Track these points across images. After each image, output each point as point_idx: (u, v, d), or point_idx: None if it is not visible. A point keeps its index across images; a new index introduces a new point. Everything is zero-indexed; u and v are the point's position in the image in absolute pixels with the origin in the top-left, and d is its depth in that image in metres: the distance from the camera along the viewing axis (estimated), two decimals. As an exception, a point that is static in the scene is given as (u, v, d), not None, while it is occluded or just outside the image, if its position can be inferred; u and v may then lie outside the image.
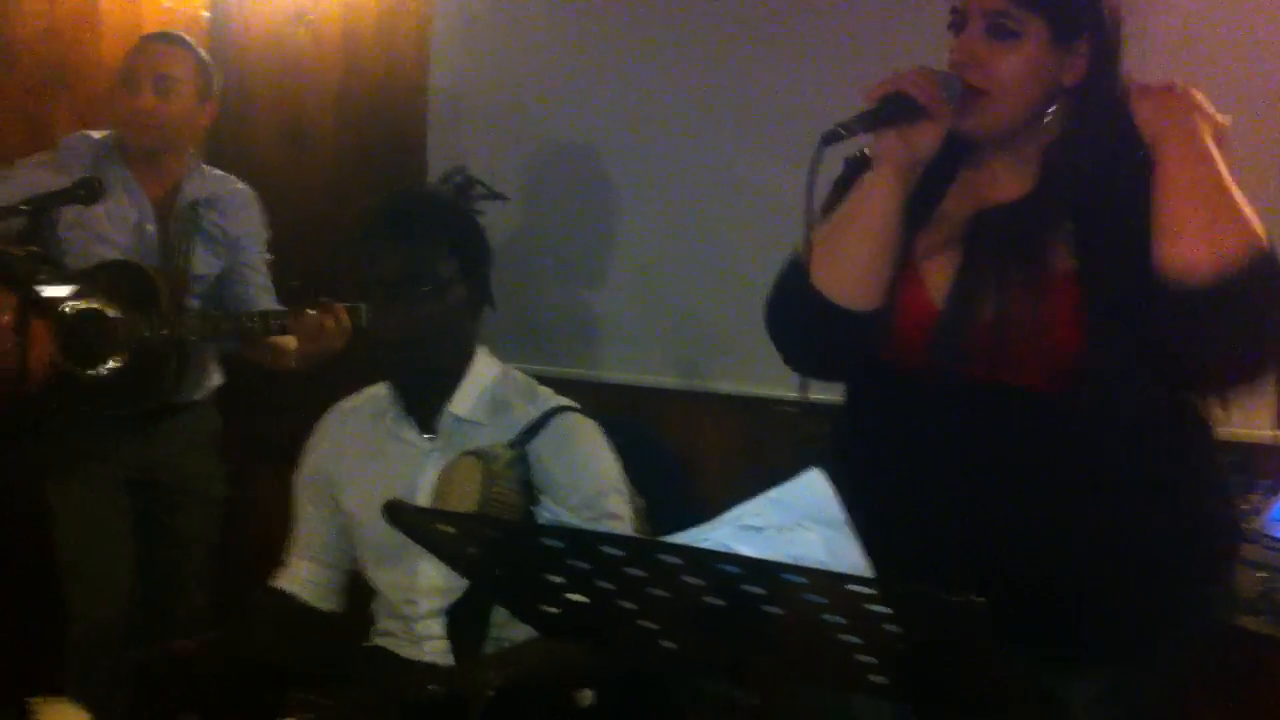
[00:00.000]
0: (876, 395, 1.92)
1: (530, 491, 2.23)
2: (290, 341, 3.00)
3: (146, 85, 3.12)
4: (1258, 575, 2.49)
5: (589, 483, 2.34)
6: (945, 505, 1.81)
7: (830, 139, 1.78)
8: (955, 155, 1.90)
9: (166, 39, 3.23)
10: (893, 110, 1.79)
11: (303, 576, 2.52)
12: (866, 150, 1.89)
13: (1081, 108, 1.82)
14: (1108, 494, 1.78)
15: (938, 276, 1.85)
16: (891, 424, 1.89)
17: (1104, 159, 1.80)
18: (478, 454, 2.22)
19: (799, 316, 1.90)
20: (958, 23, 1.83)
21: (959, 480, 1.81)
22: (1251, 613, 2.48)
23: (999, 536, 1.78)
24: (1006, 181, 1.89)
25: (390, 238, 2.31)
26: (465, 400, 2.41)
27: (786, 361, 1.93)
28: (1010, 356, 1.76)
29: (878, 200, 1.83)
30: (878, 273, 1.84)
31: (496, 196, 2.51)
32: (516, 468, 2.24)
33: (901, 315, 1.86)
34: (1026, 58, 1.78)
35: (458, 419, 2.40)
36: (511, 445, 2.29)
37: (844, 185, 1.93)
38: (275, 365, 3.18)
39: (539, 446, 2.33)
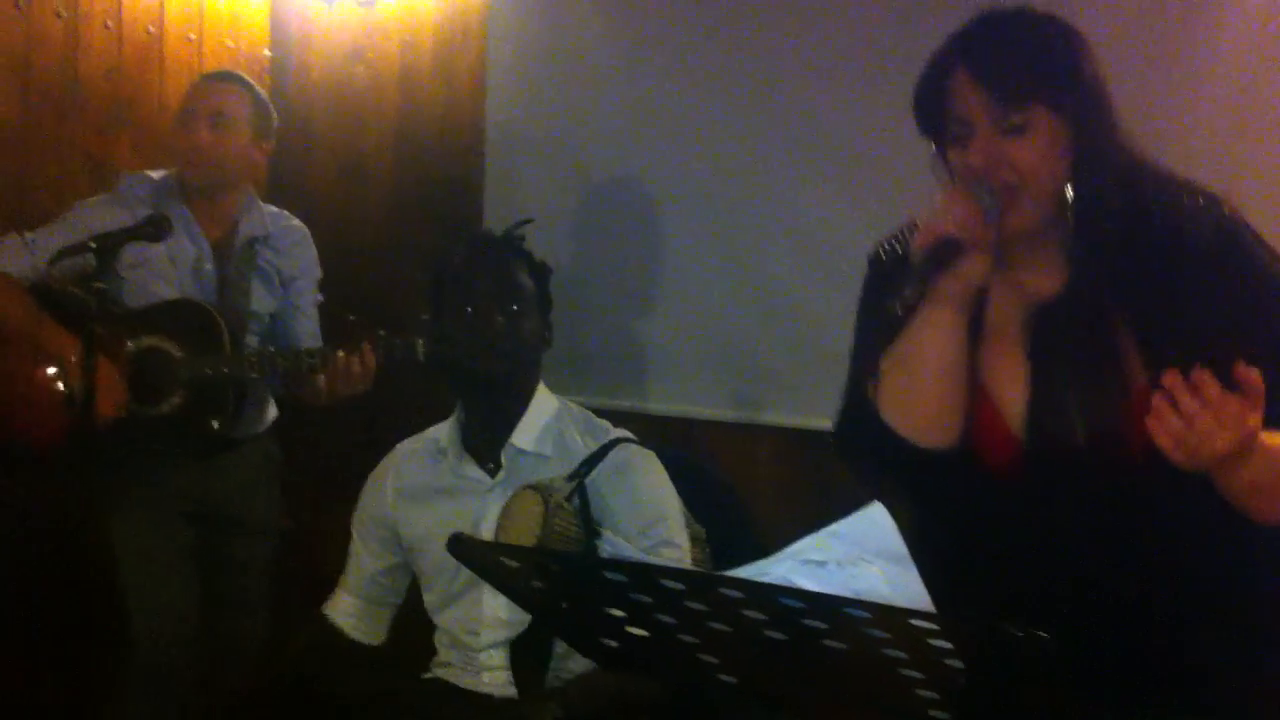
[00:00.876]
0: (964, 497, 1.86)
1: (589, 524, 2.26)
2: (318, 380, 3.05)
3: (203, 122, 3.17)
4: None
5: (647, 510, 2.40)
6: (1056, 591, 1.76)
7: (895, 323, 1.76)
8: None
9: (223, 77, 3.29)
10: (943, 258, 1.74)
11: (348, 611, 2.60)
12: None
13: (1088, 176, 1.77)
14: (1214, 568, 1.75)
15: (1008, 391, 1.81)
16: (987, 522, 1.84)
17: (1125, 223, 1.77)
18: (537, 487, 2.26)
19: (873, 450, 1.86)
20: (963, 133, 1.79)
21: (1068, 565, 1.77)
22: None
23: (1113, 622, 1.75)
24: (1040, 275, 1.84)
25: (488, 258, 2.50)
26: (528, 433, 2.46)
27: (858, 482, 1.86)
28: (1102, 446, 1.74)
29: (942, 339, 1.78)
30: (951, 408, 1.79)
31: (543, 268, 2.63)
32: (575, 500, 2.27)
33: (980, 436, 1.82)
34: (1043, 143, 1.75)
35: (520, 451, 2.45)
36: (570, 478, 2.32)
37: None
38: (311, 401, 3.23)
39: (598, 478, 2.37)
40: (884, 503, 1.56)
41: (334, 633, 2.58)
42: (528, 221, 2.61)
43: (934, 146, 1.85)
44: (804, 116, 3.39)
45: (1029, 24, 1.80)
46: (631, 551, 1.63)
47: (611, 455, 2.42)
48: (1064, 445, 1.75)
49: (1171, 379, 1.57)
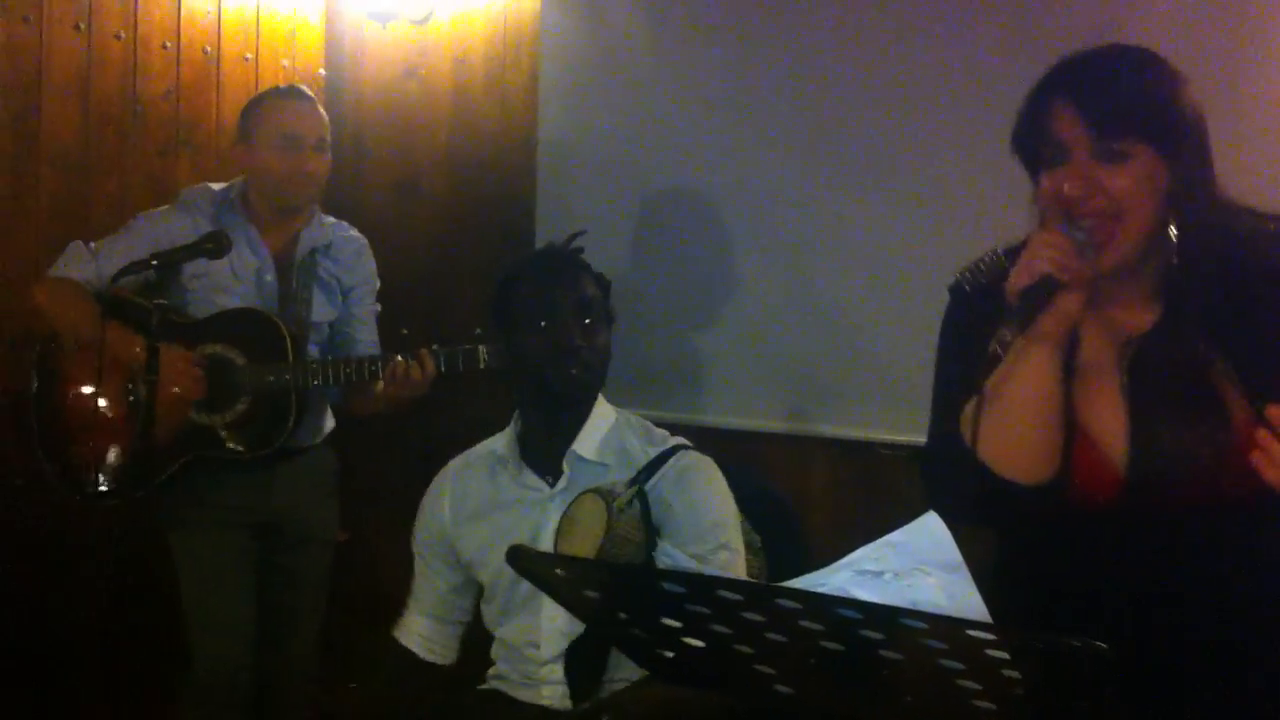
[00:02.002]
0: (1062, 533, 1.85)
1: (650, 529, 2.28)
2: (377, 386, 3.08)
3: (309, 146, 3.21)
4: None
5: (706, 516, 2.41)
6: (1151, 627, 1.75)
7: (994, 360, 1.76)
8: None
9: (307, 97, 3.31)
10: (1040, 298, 1.73)
11: (419, 632, 2.60)
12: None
13: (1187, 212, 1.77)
14: None
15: (1107, 426, 1.80)
16: (1085, 558, 1.83)
17: (1219, 258, 1.76)
18: (599, 492, 2.28)
19: (965, 485, 1.81)
20: (1059, 159, 1.79)
21: (1164, 603, 1.76)
22: None
23: (1208, 662, 1.74)
24: (1133, 310, 1.84)
25: (559, 271, 2.51)
26: (589, 442, 2.48)
27: (941, 516, 1.86)
28: (1203, 481, 1.73)
29: (1040, 376, 1.77)
30: (1050, 446, 1.78)
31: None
32: (637, 505, 2.29)
33: (1080, 473, 1.80)
34: (1140, 173, 1.75)
35: (582, 459, 2.47)
36: (631, 483, 2.34)
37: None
38: (363, 411, 3.26)
39: (659, 484, 2.40)
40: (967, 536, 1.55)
41: (405, 656, 2.59)
42: (581, 233, 2.62)
43: (1033, 178, 1.85)
44: (858, 131, 3.40)
45: (1128, 58, 1.81)
46: (689, 562, 1.64)
47: (671, 461, 2.45)
48: (1166, 481, 1.74)
49: (1276, 412, 1.57)
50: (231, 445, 3.10)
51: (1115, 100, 1.75)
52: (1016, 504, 1.79)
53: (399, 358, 3.00)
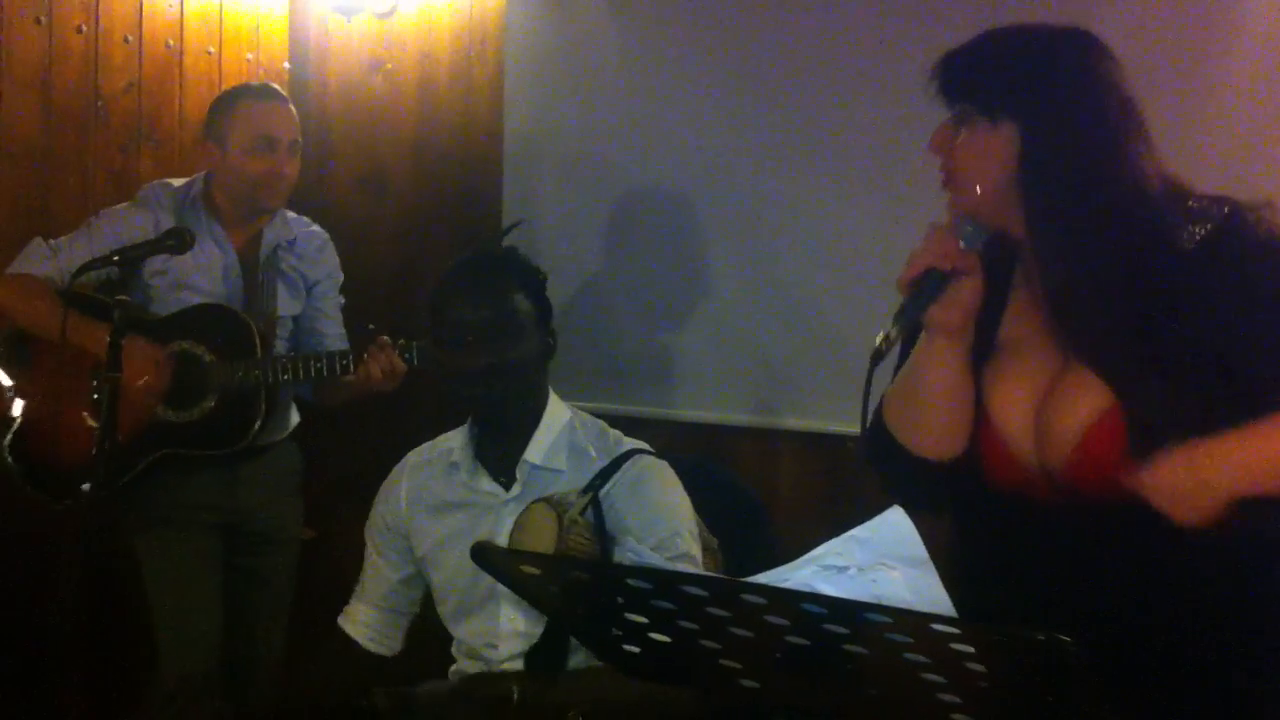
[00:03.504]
0: (980, 517, 1.88)
1: (604, 538, 2.26)
2: (346, 379, 3.07)
3: (283, 149, 3.20)
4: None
5: (663, 525, 2.37)
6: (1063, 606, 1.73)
7: (879, 357, 1.76)
8: (1007, 278, 1.88)
9: (280, 97, 3.28)
10: (928, 290, 1.77)
11: (364, 621, 2.59)
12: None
13: (1036, 188, 1.78)
14: (1212, 581, 1.74)
15: (1008, 409, 1.83)
16: (999, 544, 1.86)
17: (1088, 236, 1.76)
18: (550, 502, 2.25)
19: (891, 465, 1.89)
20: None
21: (1072, 598, 1.75)
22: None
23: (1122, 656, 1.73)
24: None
25: (474, 285, 2.44)
26: (541, 448, 2.46)
27: (889, 494, 1.84)
28: (1088, 467, 1.74)
29: (940, 365, 1.82)
30: (954, 426, 1.83)
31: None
32: (590, 515, 2.27)
33: (987, 456, 1.83)
34: (973, 141, 1.80)
35: (535, 467, 2.45)
36: (584, 491, 2.32)
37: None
38: (332, 402, 3.25)
39: (612, 491, 2.37)
40: (907, 509, 1.56)
41: (348, 644, 2.58)
42: (516, 225, 2.59)
43: None
44: (827, 126, 3.40)
45: (1007, 32, 1.84)
46: (653, 557, 1.64)
47: (626, 468, 2.41)
48: (1052, 466, 1.76)
49: None
50: (195, 442, 3.08)
51: (954, 69, 1.82)
52: (931, 481, 1.84)
53: (369, 353, 2.98)
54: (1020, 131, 1.77)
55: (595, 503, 2.31)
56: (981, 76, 1.81)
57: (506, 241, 2.68)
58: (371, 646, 2.58)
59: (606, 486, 2.37)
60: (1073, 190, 1.76)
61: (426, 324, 2.54)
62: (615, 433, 2.55)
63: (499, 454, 2.49)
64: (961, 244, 1.78)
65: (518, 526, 2.27)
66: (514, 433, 2.48)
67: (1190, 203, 1.76)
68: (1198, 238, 1.73)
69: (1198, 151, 2.75)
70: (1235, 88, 2.92)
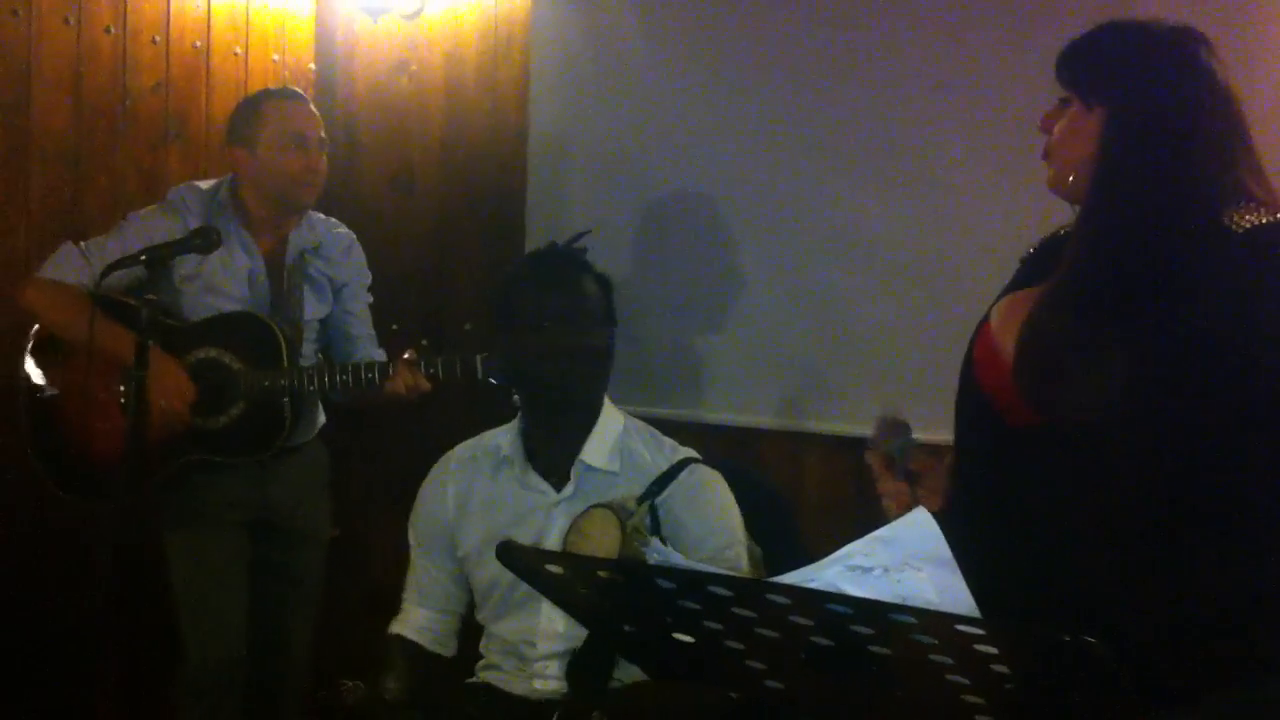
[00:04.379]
0: (975, 444, 1.97)
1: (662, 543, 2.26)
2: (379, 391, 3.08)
3: (314, 147, 3.21)
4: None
5: (720, 535, 2.41)
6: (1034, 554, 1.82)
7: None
8: None
9: (304, 98, 3.30)
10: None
11: (419, 624, 2.58)
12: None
13: (1103, 170, 1.89)
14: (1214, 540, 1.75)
15: (1007, 339, 1.91)
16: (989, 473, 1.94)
17: (1130, 223, 1.84)
18: (611, 508, 2.25)
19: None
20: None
21: (1052, 528, 1.81)
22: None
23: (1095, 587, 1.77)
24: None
25: (553, 272, 2.50)
26: (598, 450, 2.47)
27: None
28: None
29: None
30: None
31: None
32: (648, 520, 2.27)
33: (981, 367, 1.95)
34: (1069, 122, 1.93)
35: (590, 468, 2.45)
36: (642, 499, 2.32)
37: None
38: (361, 404, 3.27)
39: (669, 499, 2.38)
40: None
41: (411, 647, 2.56)
42: (585, 234, 2.61)
43: None
44: (858, 127, 3.38)
45: (1117, 26, 1.94)
46: (679, 558, 1.64)
47: (683, 476, 2.43)
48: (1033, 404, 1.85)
49: None
50: (223, 449, 3.10)
51: (1064, 57, 1.95)
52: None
53: (400, 368, 3.00)
54: (1107, 117, 1.88)
55: (653, 509, 2.33)
56: (1081, 64, 1.93)
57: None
58: (432, 647, 2.57)
59: (664, 494, 2.38)
60: (1133, 176, 1.85)
61: (498, 320, 2.55)
62: (669, 440, 2.56)
63: (552, 453, 2.50)
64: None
65: (576, 530, 2.27)
66: (569, 432, 2.48)
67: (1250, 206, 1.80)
68: (1238, 231, 1.77)
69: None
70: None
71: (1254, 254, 1.75)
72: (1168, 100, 1.86)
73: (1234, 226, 1.77)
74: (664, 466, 2.43)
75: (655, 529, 2.29)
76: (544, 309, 2.44)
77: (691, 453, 2.52)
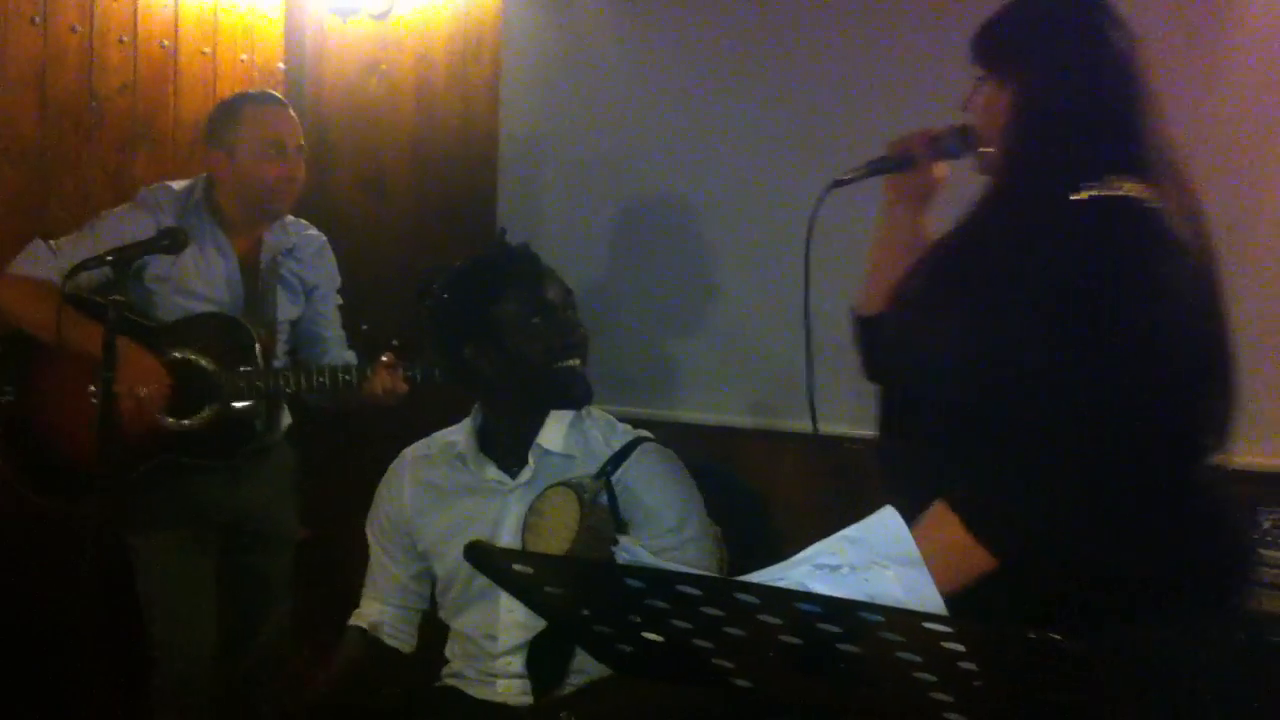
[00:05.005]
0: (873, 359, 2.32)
1: (619, 522, 2.28)
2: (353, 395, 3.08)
3: (292, 152, 3.20)
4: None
5: (675, 509, 2.43)
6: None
7: (841, 183, 2.25)
8: None
9: (283, 103, 3.28)
10: (887, 163, 2.23)
11: (376, 618, 2.59)
12: None
13: (1012, 138, 2.00)
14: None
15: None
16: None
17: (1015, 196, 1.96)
18: (569, 484, 2.27)
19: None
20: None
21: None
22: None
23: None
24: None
25: (539, 271, 2.52)
26: (554, 434, 2.48)
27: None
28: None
29: (887, 225, 2.29)
30: (884, 285, 2.22)
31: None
32: (604, 497, 2.29)
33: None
34: (983, 97, 2.04)
35: (547, 452, 2.46)
36: (598, 476, 2.34)
37: None
38: (327, 407, 3.26)
39: (625, 476, 2.41)
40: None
41: (368, 639, 2.57)
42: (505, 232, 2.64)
43: None
44: (830, 128, 3.37)
45: (1023, 3, 2.04)
46: (648, 557, 1.63)
47: (638, 454, 2.45)
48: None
49: None
50: (195, 450, 3.07)
51: (977, 36, 2.05)
52: (861, 339, 2.32)
53: (376, 372, 2.99)
54: (1014, 93, 1.98)
55: (608, 487, 2.35)
56: (992, 42, 2.03)
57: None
58: (391, 642, 2.59)
59: (618, 472, 2.40)
60: (1021, 149, 1.97)
61: (465, 325, 2.53)
62: (623, 424, 2.58)
63: (508, 442, 2.51)
64: (936, 148, 2.15)
65: (534, 512, 2.28)
66: (528, 421, 2.49)
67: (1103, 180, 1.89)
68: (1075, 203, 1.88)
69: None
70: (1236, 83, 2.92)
71: (1085, 225, 1.85)
72: (1063, 77, 1.95)
73: (1083, 197, 1.86)
74: (618, 447, 2.46)
75: (612, 506, 2.31)
76: (531, 304, 2.46)
77: (645, 433, 2.54)
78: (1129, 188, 1.84)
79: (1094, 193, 1.85)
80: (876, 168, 2.24)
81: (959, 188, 2.12)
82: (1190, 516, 1.88)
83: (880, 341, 2.22)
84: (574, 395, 2.49)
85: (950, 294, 1.98)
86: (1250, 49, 2.91)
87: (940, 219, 2.18)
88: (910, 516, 1.77)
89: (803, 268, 2.30)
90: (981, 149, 2.05)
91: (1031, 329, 1.81)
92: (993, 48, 2.02)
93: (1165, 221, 1.84)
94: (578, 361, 2.47)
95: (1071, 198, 1.85)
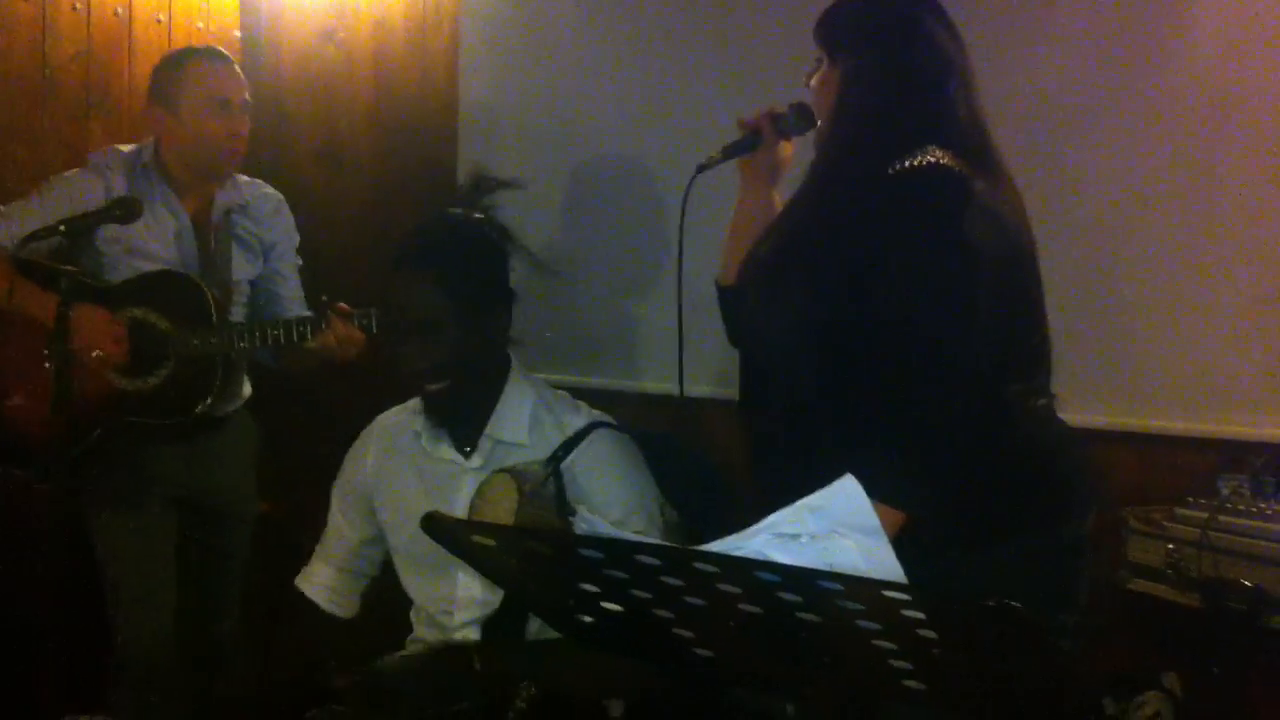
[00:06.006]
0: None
1: (565, 507, 2.25)
2: (307, 345, 3.03)
3: (237, 108, 3.15)
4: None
5: (622, 500, 2.40)
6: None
7: (702, 168, 2.41)
8: None
9: (226, 59, 3.21)
10: (740, 146, 2.41)
11: (323, 582, 2.61)
12: None
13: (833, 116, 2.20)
14: None
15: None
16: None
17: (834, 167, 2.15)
18: (511, 472, 2.24)
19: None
20: None
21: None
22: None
23: None
24: None
25: (406, 278, 2.40)
26: (504, 423, 2.46)
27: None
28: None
29: (741, 203, 2.46)
30: (733, 255, 2.40)
31: (513, 185, 2.65)
32: (551, 485, 2.26)
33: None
34: (821, 79, 2.21)
35: (499, 441, 2.44)
36: (547, 462, 2.30)
37: None
38: (296, 368, 3.22)
39: (575, 463, 2.35)
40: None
41: (308, 612, 2.58)
42: (488, 187, 2.57)
43: None
44: (785, 90, 3.36)
45: None
46: (606, 527, 1.63)
47: (590, 441, 2.38)
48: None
49: None
50: (150, 411, 3.04)
51: (821, 16, 2.23)
52: (724, 308, 2.47)
53: (327, 321, 2.95)
54: (842, 74, 2.17)
55: (557, 474, 2.30)
56: (827, 25, 2.22)
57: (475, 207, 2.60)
58: (330, 608, 2.59)
59: (569, 459, 2.35)
60: (842, 126, 2.16)
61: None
62: (581, 404, 2.55)
63: (461, 426, 2.49)
64: (777, 126, 2.35)
65: (478, 495, 2.26)
66: (473, 409, 2.47)
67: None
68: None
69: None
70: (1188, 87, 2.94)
71: (895, 190, 2.01)
72: (883, 59, 2.13)
73: (894, 170, 2.02)
74: (571, 432, 2.40)
75: (559, 494, 2.27)
76: (399, 315, 2.41)
77: (603, 417, 2.50)
78: (938, 155, 2.01)
79: (908, 162, 2.01)
80: (731, 151, 2.41)
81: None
82: (1012, 451, 2.05)
83: (735, 310, 2.38)
84: (429, 408, 2.47)
85: (783, 264, 2.17)
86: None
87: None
88: (776, 478, 2.03)
89: (677, 248, 2.44)
90: (819, 126, 2.24)
91: (851, 290, 2.01)
92: (829, 30, 2.21)
93: (970, 185, 2.00)
94: (435, 385, 2.40)
95: (888, 170, 2.01)
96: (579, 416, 2.50)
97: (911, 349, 1.94)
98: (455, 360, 2.38)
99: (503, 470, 2.26)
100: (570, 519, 2.10)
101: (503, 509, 2.19)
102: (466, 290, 2.38)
